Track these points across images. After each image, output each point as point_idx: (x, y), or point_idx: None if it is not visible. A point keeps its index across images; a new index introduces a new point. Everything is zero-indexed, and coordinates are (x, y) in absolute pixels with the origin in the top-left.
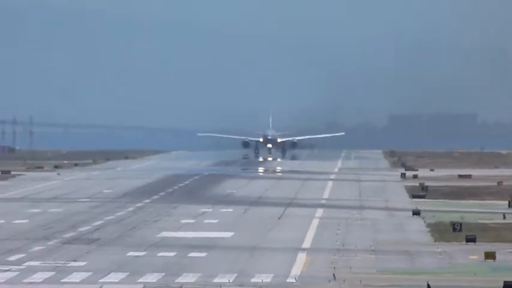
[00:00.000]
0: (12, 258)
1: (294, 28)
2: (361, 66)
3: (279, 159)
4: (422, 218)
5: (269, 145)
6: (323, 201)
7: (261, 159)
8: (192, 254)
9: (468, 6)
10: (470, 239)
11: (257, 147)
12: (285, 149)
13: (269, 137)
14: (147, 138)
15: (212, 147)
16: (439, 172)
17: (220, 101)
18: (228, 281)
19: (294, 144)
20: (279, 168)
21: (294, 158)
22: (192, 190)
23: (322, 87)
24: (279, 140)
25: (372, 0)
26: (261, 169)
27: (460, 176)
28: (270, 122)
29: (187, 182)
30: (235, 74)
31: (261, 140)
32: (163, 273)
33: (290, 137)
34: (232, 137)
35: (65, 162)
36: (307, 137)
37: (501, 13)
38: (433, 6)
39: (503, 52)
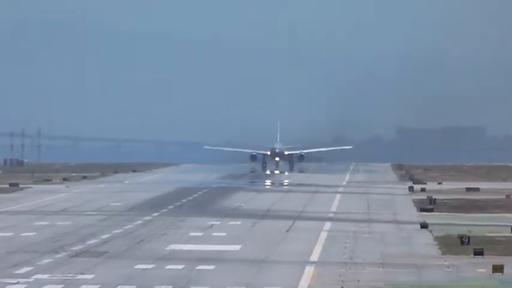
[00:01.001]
0: (21, 271)
1: (302, 43)
2: (370, 80)
3: (286, 173)
4: (430, 231)
5: (277, 158)
6: (331, 215)
7: (268, 172)
8: (200, 267)
9: (477, 22)
10: (478, 252)
11: (265, 161)
12: (293, 162)
13: (277, 150)
14: (155, 151)
15: (219, 161)
16: (447, 185)
17: (228, 115)
18: None
19: (301, 158)
20: (287, 181)
21: (301, 171)
22: (200, 203)
23: (330, 101)
24: (286, 153)
25: (381, 15)
26: (269, 182)
27: (468, 189)
28: (278, 135)
29: (195, 195)
30: (244, 88)
31: (269, 153)
32: (171, 286)
33: (298, 150)
34: (240, 150)
35: (73, 175)
36: (315, 150)
37: (509, 29)
38: (443, 22)
39: (510, 66)
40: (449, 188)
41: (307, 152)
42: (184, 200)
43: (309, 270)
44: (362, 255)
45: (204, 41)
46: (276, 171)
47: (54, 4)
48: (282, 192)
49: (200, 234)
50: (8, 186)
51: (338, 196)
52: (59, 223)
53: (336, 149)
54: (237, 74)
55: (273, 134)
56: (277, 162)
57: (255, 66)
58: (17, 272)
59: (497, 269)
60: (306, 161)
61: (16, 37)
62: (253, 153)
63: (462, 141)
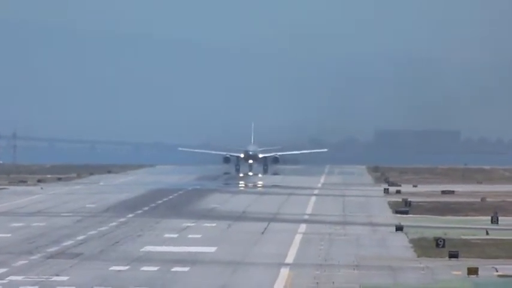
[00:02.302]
0: None
1: (278, 44)
2: (347, 83)
3: (260, 175)
4: (405, 234)
5: (250, 161)
6: (306, 217)
7: (241, 174)
8: (175, 269)
9: (455, 28)
10: (453, 255)
11: (238, 163)
12: (267, 164)
13: (250, 153)
14: (130, 152)
15: (193, 162)
16: (422, 188)
17: (206, 116)
18: None
19: (275, 160)
20: (262, 184)
21: (275, 173)
22: (176, 205)
23: (307, 103)
24: (260, 156)
25: (361, 19)
26: (244, 184)
27: (444, 192)
28: (252, 137)
29: (170, 197)
30: (219, 90)
31: (242, 155)
32: None
33: (272, 152)
34: (213, 152)
35: (49, 176)
36: (290, 152)
37: (485, 34)
38: (421, 28)
39: (486, 71)
40: (425, 190)
41: (282, 155)
42: (159, 202)
43: (284, 272)
44: (337, 257)
45: (183, 42)
46: (250, 173)
47: (34, 5)
48: (256, 194)
49: (175, 235)
50: None
51: (313, 198)
52: (34, 224)
53: (312, 152)
54: (216, 75)
55: (247, 137)
56: (250, 164)
57: (230, 68)
58: None
59: (472, 271)
60: (281, 163)
61: None
62: (227, 156)
63: (438, 144)
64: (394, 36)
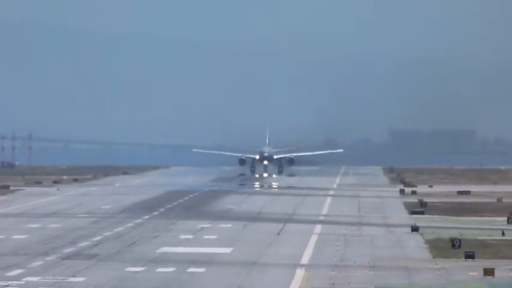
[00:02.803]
0: (12, 273)
1: (292, 45)
2: (361, 83)
3: (274, 176)
4: (421, 234)
5: (265, 162)
6: (322, 217)
7: (257, 175)
8: (191, 270)
9: (469, 26)
10: (469, 256)
11: (253, 165)
12: (282, 165)
13: (265, 154)
14: (145, 153)
15: (207, 164)
16: (438, 188)
17: (218, 118)
18: None
19: (290, 161)
20: (277, 185)
21: (291, 174)
22: (191, 206)
23: (321, 104)
24: (275, 157)
25: (372, 18)
26: (259, 185)
27: (459, 193)
28: (267, 139)
29: (186, 198)
30: (234, 91)
31: (257, 157)
32: None
33: (287, 153)
34: (228, 153)
35: (64, 177)
36: (305, 153)
37: (500, 33)
38: (435, 26)
39: (502, 70)
40: (440, 191)
41: (297, 156)
42: (175, 203)
43: (300, 273)
44: (353, 258)
45: (194, 43)
46: (265, 175)
47: (41, 5)
48: (272, 195)
49: (191, 236)
50: None
51: (329, 199)
52: (50, 225)
53: (327, 153)
54: (229, 76)
55: (263, 138)
56: (265, 166)
57: (246, 68)
58: (8, 274)
59: (488, 272)
60: (296, 164)
61: (5, 40)
62: (242, 157)
63: (453, 144)
64: (409, 35)
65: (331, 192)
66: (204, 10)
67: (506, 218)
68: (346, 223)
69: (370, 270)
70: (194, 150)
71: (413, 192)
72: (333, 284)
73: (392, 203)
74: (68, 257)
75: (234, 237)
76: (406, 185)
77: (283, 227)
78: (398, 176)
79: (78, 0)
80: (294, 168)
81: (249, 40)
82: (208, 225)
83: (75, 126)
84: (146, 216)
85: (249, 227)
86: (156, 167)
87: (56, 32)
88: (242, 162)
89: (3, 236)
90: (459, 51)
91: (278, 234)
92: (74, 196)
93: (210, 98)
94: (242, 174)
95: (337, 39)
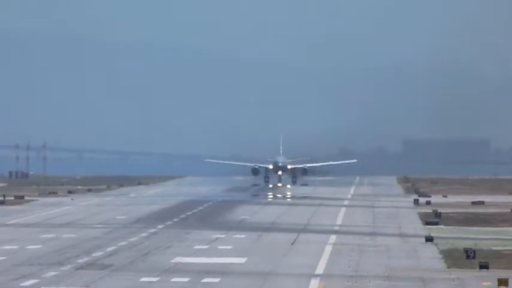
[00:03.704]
0: (26, 283)
1: (305, 54)
2: (375, 93)
3: (289, 186)
4: (436, 245)
5: (279, 172)
6: (336, 228)
7: (271, 186)
8: (205, 280)
9: (484, 34)
10: (484, 266)
11: (267, 175)
12: (296, 176)
13: (279, 164)
14: (159, 163)
15: (221, 173)
16: (452, 198)
17: (233, 127)
18: None
19: (304, 171)
20: (292, 195)
21: (304, 184)
22: (206, 216)
23: (335, 114)
24: (289, 167)
25: (388, 27)
26: (273, 195)
27: (474, 203)
28: (281, 148)
29: (200, 208)
30: (248, 101)
31: (271, 167)
32: None
33: (301, 163)
34: (240, 163)
35: (79, 187)
36: (319, 164)
37: None
38: (449, 34)
39: None
40: (455, 201)
41: (311, 166)
42: (189, 213)
43: (315, 283)
44: (367, 268)
45: (208, 53)
46: (279, 184)
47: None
48: (286, 205)
49: (205, 247)
50: (13, 198)
51: (343, 209)
52: (65, 236)
53: (340, 163)
54: (242, 86)
55: (276, 147)
56: (279, 176)
57: (260, 78)
58: (22, 284)
59: (503, 282)
60: (310, 174)
61: (20, 50)
62: (255, 167)
63: (467, 154)
64: (423, 44)
65: (346, 202)
66: (218, 20)
67: None
68: (361, 233)
69: (385, 280)
70: (206, 160)
71: (428, 203)
72: None
73: (406, 213)
74: (82, 267)
75: (249, 247)
76: (421, 195)
77: (298, 237)
78: (413, 186)
79: (91, 9)
80: (307, 178)
81: (262, 50)
82: (223, 236)
83: (90, 136)
84: (160, 226)
85: (264, 237)
86: (170, 177)
87: (71, 41)
88: (255, 172)
89: (17, 246)
90: (475, 61)
91: (292, 244)
92: (88, 206)
93: (224, 107)
94: (256, 185)
95: (351, 49)
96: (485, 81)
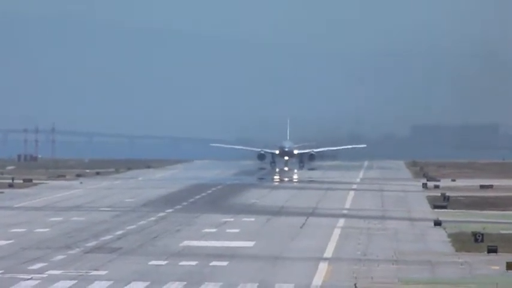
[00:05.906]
0: (34, 267)
1: (313, 38)
2: (384, 77)
3: (295, 170)
4: (444, 229)
5: (286, 157)
6: (345, 211)
7: (277, 170)
8: (213, 263)
9: (492, 21)
10: (492, 250)
11: (273, 160)
12: (303, 161)
13: (286, 149)
14: (168, 147)
15: (228, 158)
16: (460, 182)
17: (240, 111)
18: None
19: (311, 157)
20: (300, 179)
21: (312, 168)
22: (214, 200)
23: (343, 98)
24: (295, 152)
25: (394, 11)
26: (281, 179)
27: (482, 187)
28: (288, 133)
29: (209, 192)
30: (255, 84)
31: (277, 152)
32: (185, 282)
33: (309, 148)
34: (246, 148)
35: (87, 171)
36: (326, 148)
37: None
38: (457, 20)
39: None
40: (463, 185)
41: (319, 151)
42: (198, 197)
43: (323, 267)
44: (376, 252)
45: (214, 36)
46: (285, 168)
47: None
48: (295, 189)
49: (214, 230)
50: (22, 181)
51: (352, 193)
52: (73, 219)
53: (349, 148)
54: (249, 69)
55: (283, 132)
56: (286, 161)
57: (266, 61)
58: (30, 267)
59: (511, 266)
60: (318, 159)
61: (29, 33)
62: (261, 152)
63: (476, 138)
64: (432, 29)
65: (354, 186)
66: (225, 3)
67: None
68: (369, 217)
69: (393, 264)
70: (212, 144)
71: (436, 186)
72: (356, 277)
73: (415, 197)
74: (91, 250)
75: (257, 231)
76: (429, 179)
77: (306, 220)
78: (421, 170)
79: None
80: (314, 163)
81: (269, 32)
82: (231, 219)
83: (99, 119)
84: (169, 210)
85: (272, 221)
86: (178, 161)
87: (80, 25)
88: (261, 157)
89: (25, 230)
90: (482, 46)
91: (301, 227)
92: (97, 189)
93: (231, 91)
94: (262, 168)
95: (360, 31)
96: (494, 66)
